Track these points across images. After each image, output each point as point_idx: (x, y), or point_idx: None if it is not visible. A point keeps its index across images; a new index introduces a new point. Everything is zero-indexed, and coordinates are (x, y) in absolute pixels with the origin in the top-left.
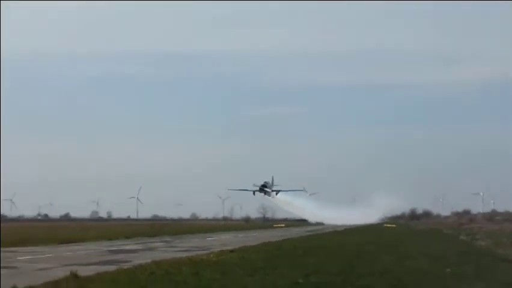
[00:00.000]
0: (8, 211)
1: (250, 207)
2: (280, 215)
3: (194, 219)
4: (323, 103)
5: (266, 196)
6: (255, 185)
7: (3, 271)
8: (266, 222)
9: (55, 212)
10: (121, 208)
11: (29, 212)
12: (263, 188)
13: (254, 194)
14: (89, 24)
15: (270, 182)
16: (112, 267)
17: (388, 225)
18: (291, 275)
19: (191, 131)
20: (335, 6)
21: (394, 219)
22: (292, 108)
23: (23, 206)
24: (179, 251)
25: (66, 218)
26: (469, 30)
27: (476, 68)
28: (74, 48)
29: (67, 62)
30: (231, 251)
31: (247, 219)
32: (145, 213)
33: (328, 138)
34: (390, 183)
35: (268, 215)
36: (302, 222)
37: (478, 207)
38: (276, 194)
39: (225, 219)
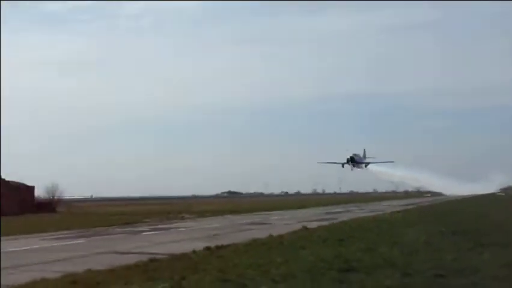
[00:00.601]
0: (264, 190)
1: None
2: (426, 189)
3: (374, 192)
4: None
5: (356, 168)
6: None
7: (262, 226)
8: (419, 194)
9: (277, 190)
10: (328, 186)
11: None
12: (352, 160)
13: (343, 166)
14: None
15: (361, 154)
16: (326, 223)
17: (499, 193)
18: (437, 226)
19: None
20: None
21: (504, 190)
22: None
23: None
24: (366, 212)
25: (290, 194)
26: None
27: None
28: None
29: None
30: (398, 212)
31: (406, 192)
32: (345, 189)
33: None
34: (502, 163)
35: (421, 189)
36: (437, 193)
37: None
38: (366, 166)
39: (393, 191)
